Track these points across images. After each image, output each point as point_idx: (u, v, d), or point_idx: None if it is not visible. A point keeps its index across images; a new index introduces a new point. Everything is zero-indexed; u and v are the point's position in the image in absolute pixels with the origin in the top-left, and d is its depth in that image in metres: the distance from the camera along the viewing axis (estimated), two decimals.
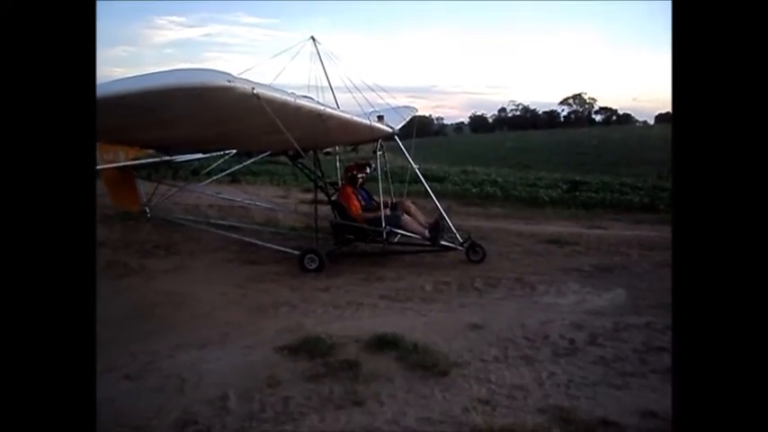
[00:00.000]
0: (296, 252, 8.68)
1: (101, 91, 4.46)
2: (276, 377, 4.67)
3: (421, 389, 4.48)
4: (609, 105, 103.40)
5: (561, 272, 8.13)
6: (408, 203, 9.48)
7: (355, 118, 7.74)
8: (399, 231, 8.72)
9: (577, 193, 15.45)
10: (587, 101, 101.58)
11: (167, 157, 9.74)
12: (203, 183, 11.10)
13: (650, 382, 4.63)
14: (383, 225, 8.58)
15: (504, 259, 8.95)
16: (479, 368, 4.87)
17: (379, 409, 4.19)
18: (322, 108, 6.67)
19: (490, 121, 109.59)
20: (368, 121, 8.14)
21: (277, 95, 5.46)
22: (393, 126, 9.29)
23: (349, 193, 9.16)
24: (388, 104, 9.62)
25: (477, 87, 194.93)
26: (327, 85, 8.89)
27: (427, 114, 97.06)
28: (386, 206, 8.98)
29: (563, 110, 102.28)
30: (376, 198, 9.33)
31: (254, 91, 4.99)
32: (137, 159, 9.88)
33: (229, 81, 4.74)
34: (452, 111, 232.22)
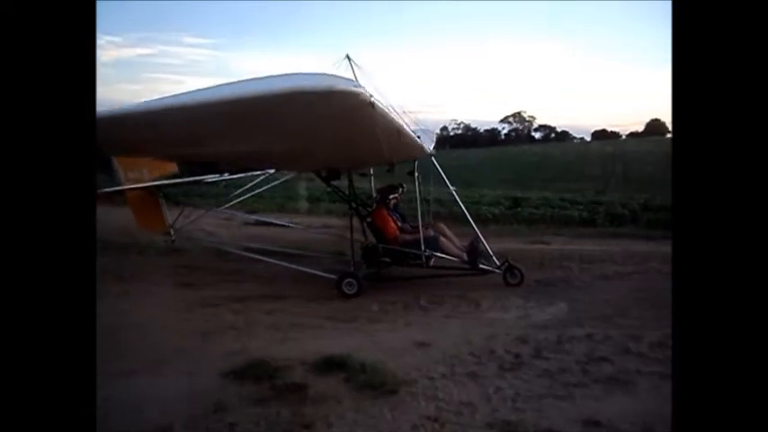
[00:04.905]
0: (333, 276, 8.26)
1: (198, 97, 4.49)
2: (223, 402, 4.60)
3: (369, 409, 4.48)
4: (547, 123, 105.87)
5: (505, 287, 8.23)
6: (443, 226, 9.17)
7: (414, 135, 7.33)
8: (438, 254, 8.43)
9: (519, 209, 15.69)
10: (527, 119, 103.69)
11: (211, 176, 9.38)
12: (224, 206, 10.73)
13: (593, 392, 4.77)
14: (422, 248, 8.31)
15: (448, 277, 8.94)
16: (427, 386, 4.90)
17: (328, 431, 4.17)
18: (400, 123, 6.33)
19: None
20: (419, 140, 7.74)
21: (385, 106, 5.28)
22: (428, 146, 8.95)
23: (384, 215, 8.85)
24: (416, 125, 9.01)
25: (417, 106, 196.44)
26: None
27: None
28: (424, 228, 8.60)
29: (503, 128, 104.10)
30: (409, 221, 9.08)
31: (371, 99, 4.78)
32: (161, 178, 9.57)
33: (355, 86, 4.61)
34: None
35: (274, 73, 4.58)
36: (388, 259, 8.78)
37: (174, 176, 9.79)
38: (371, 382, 4.85)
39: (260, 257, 9.35)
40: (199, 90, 4.74)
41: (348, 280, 8.05)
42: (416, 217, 8.68)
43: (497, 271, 8.43)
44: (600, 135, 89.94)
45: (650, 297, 7.55)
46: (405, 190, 9.30)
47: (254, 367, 5.20)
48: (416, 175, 8.89)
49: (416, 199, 8.67)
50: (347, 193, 9.01)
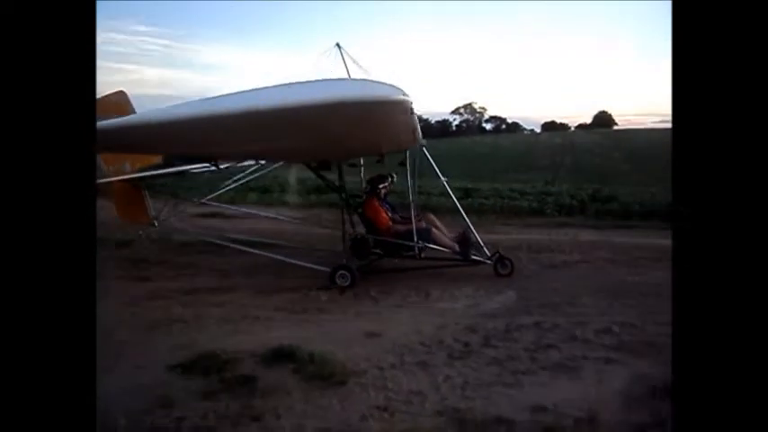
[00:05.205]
0: (326, 269, 8.07)
1: (260, 103, 4.65)
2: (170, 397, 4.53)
3: (319, 400, 4.47)
4: (498, 114, 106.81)
5: (454, 277, 8.27)
6: (432, 217, 9.01)
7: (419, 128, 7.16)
8: (430, 246, 8.28)
9: (470, 200, 15.79)
10: (478, 110, 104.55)
11: (197, 167, 9.11)
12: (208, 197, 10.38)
13: (540, 379, 4.86)
14: (415, 239, 8.16)
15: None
16: (376, 375, 4.91)
17: (277, 423, 4.14)
18: (415, 120, 6.27)
19: None
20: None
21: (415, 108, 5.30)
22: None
23: (376, 206, 8.63)
24: None
25: None
26: None
27: None
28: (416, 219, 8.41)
29: (455, 119, 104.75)
30: (399, 211, 8.98)
31: (411, 105, 4.86)
32: (142, 170, 9.30)
33: (403, 95, 4.66)
34: None
35: (290, 76, 4.85)
36: (379, 251, 8.65)
37: (158, 167, 9.57)
38: (321, 373, 4.84)
39: (246, 249, 9.24)
40: (234, 94, 4.90)
41: (341, 272, 7.92)
42: (405, 207, 8.62)
43: (488, 262, 8.39)
44: (549, 126, 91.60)
45: (597, 285, 7.73)
46: (395, 180, 9.15)
47: (204, 359, 5.14)
48: (408, 165, 8.68)
49: (408, 190, 8.53)
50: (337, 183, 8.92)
